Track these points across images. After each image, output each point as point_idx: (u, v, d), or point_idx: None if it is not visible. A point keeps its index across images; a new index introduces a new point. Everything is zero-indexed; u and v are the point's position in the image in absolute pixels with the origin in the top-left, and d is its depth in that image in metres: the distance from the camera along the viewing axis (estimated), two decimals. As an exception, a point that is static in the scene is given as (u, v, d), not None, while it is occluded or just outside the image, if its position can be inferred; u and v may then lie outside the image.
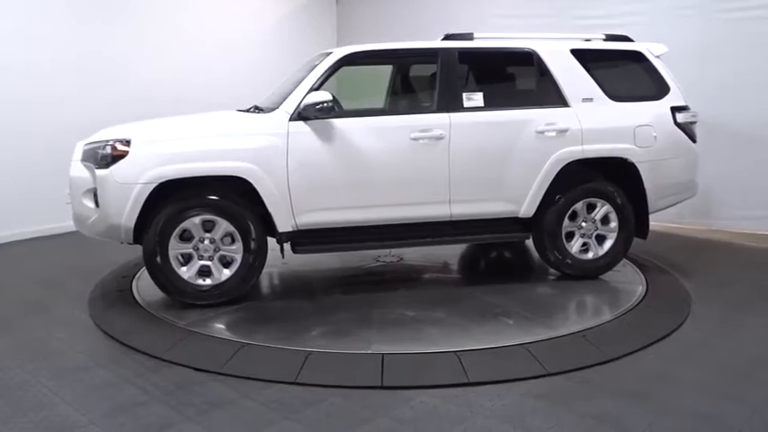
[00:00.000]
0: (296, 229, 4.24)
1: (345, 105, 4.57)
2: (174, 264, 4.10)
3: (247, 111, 4.58)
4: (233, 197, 4.14)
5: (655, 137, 4.62)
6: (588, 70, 4.64)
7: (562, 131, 4.48)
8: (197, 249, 4.15)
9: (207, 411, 2.95)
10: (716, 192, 6.09)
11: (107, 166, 3.97)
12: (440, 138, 4.32)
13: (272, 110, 4.26)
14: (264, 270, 4.35)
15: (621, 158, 4.60)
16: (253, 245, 4.16)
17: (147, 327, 3.93)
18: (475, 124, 4.40)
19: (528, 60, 4.62)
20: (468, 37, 4.64)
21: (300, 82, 4.29)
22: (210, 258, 4.17)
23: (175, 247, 4.10)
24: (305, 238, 4.33)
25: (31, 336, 3.90)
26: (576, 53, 4.67)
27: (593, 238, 4.70)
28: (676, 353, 3.57)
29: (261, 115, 4.32)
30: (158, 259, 4.05)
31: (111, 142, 4.01)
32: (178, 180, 4.00)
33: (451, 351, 3.47)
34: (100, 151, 4.02)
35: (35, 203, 6.25)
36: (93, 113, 6.16)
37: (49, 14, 6.38)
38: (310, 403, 3.01)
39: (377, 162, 4.26)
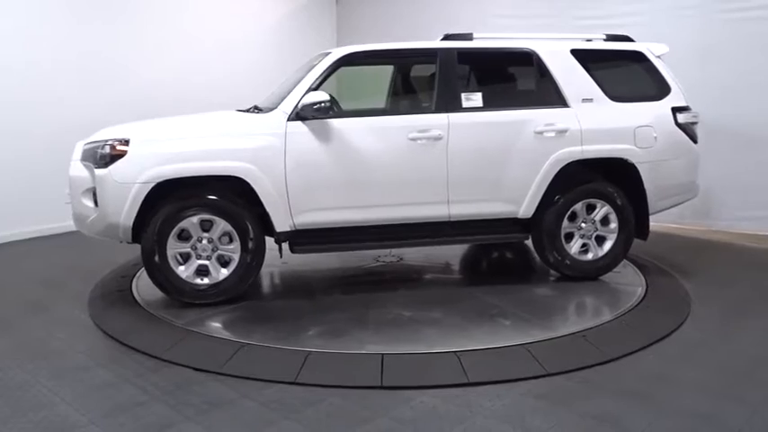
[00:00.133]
0: (294, 228, 4.24)
1: (344, 105, 4.57)
2: (172, 263, 4.11)
3: (247, 111, 4.58)
4: (231, 197, 4.14)
5: (655, 137, 4.61)
6: (588, 70, 4.62)
7: (561, 132, 4.47)
8: (195, 249, 4.15)
9: (207, 411, 2.94)
10: (716, 192, 6.09)
11: (106, 165, 3.98)
12: (438, 138, 4.32)
13: (271, 110, 4.26)
14: (264, 270, 4.36)
15: (621, 159, 4.58)
16: (251, 244, 4.16)
17: (147, 326, 3.93)
18: (473, 124, 4.39)
19: (527, 61, 4.61)
20: (468, 37, 4.63)
21: (299, 82, 4.29)
22: (208, 258, 4.17)
23: (174, 247, 4.10)
24: (303, 238, 4.33)
25: (31, 336, 3.90)
26: (576, 53, 4.66)
27: (593, 238, 4.68)
28: (676, 353, 3.57)
29: (259, 115, 4.32)
30: (156, 258, 4.06)
31: (109, 142, 4.03)
32: (176, 180, 4.01)
33: (451, 351, 3.46)
34: (99, 151, 4.03)
35: (35, 203, 6.25)
36: (93, 113, 6.16)
37: (49, 14, 6.39)
38: (310, 403, 3.01)
39: (375, 162, 4.26)
